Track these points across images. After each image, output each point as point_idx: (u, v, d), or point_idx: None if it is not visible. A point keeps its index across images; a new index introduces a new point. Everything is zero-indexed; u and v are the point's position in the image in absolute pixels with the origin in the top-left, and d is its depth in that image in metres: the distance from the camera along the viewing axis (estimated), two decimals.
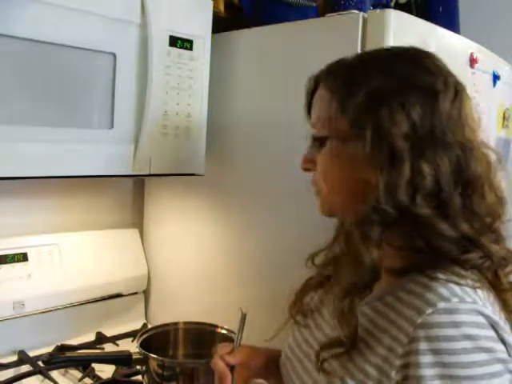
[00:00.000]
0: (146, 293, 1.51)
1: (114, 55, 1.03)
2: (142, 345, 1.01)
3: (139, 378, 1.10)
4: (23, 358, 1.21)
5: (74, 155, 1.01)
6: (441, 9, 1.58)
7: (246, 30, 1.23)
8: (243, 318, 0.85)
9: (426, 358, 0.60)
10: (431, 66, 0.69)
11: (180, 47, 1.12)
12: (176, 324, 1.13)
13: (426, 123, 0.65)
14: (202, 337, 1.11)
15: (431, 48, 0.78)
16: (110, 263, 1.40)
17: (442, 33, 1.16)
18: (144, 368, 0.99)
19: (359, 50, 1.01)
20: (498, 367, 0.60)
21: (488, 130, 1.42)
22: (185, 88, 1.14)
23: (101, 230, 1.44)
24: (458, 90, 0.68)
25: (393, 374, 0.62)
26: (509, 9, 1.86)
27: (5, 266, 1.22)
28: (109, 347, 1.31)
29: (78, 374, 1.16)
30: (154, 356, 0.96)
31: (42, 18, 0.92)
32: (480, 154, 0.68)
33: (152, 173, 1.12)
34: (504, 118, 1.51)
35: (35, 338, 1.26)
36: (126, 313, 1.46)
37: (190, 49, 1.14)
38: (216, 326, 1.10)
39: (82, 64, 1.00)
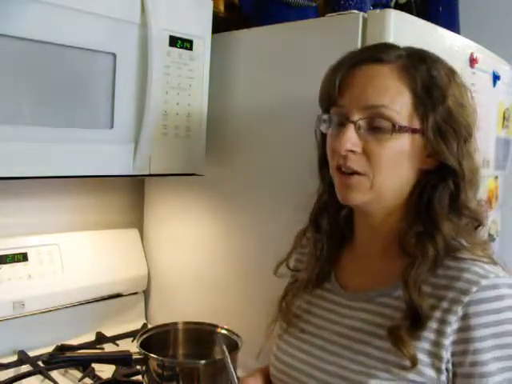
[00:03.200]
0: (146, 293, 1.51)
1: (114, 55, 1.03)
2: (142, 345, 1.00)
3: (139, 378, 1.10)
4: (23, 358, 1.21)
5: (74, 155, 1.01)
6: (441, 9, 1.58)
7: (245, 30, 1.23)
8: (227, 358, 0.87)
9: (479, 332, 0.67)
10: None
11: (180, 47, 1.12)
12: (176, 324, 1.13)
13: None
14: (202, 337, 1.11)
15: (431, 48, 0.78)
16: (110, 263, 1.40)
17: (442, 33, 1.16)
18: (144, 368, 0.99)
19: None
20: None
21: (488, 130, 1.42)
22: (185, 88, 1.14)
23: (101, 229, 1.44)
24: None
25: (443, 352, 0.68)
26: (509, 9, 1.86)
27: (5, 266, 1.22)
28: (109, 347, 1.31)
29: (78, 373, 1.15)
30: (154, 356, 0.96)
31: (42, 18, 0.92)
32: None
33: (152, 173, 1.12)
34: (504, 117, 1.51)
35: (35, 338, 1.26)
36: (126, 313, 1.46)
37: (190, 49, 1.14)
38: (216, 326, 1.10)
39: (83, 64, 1.00)
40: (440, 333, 0.69)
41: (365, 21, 1.01)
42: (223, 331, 1.09)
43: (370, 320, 0.75)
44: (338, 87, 0.75)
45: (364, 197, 0.75)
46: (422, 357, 0.69)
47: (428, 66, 0.73)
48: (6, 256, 1.23)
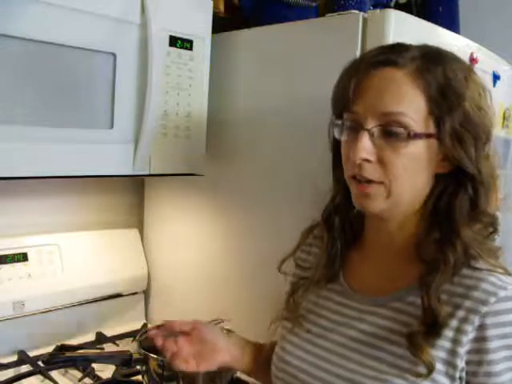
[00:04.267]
0: (146, 293, 1.51)
1: (114, 55, 1.03)
2: (142, 345, 1.00)
3: (139, 378, 1.10)
4: (23, 358, 1.21)
5: (74, 155, 1.01)
6: (441, 9, 1.58)
7: (245, 30, 1.23)
8: None
9: (494, 343, 0.67)
10: None
11: (180, 47, 1.12)
12: None
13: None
14: None
15: None
16: (110, 263, 1.40)
17: (442, 33, 1.16)
18: (144, 368, 0.99)
19: (359, 50, 1.01)
20: None
21: None
22: (185, 88, 1.14)
23: (101, 230, 1.43)
24: None
25: (458, 361, 0.68)
26: (509, 9, 1.86)
27: (5, 266, 1.22)
28: (109, 347, 1.31)
29: (78, 373, 1.15)
30: (154, 356, 0.96)
31: (42, 18, 0.92)
32: None
33: (152, 173, 1.12)
34: (504, 117, 1.51)
35: (35, 338, 1.26)
36: (126, 313, 1.46)
37: (190, 49, 1.14)
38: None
39: (82, 64, 0.99)
40: (456, 341, 0.68)
41: (365, 21, 1.01)
42: (224, 331, 1.09)
43: (382, 325, 0.75)
44: (353, 92, 0.73)
45: (382, 205, 0.74)
46: (437, 365, 0.69)
47: (444, 68, 0.71)
48: (6, 256, 1.23)
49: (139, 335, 1.05)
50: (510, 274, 0.71)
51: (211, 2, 1.19)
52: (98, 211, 1.48)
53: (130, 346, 1.23)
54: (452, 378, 0.69)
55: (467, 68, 0.75)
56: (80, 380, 1.12)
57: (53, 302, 1.30)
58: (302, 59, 1.12)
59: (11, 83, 0.92)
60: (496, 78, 1.40)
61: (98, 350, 1.28)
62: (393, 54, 0.73)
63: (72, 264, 1.33)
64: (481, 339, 0.68)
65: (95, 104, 1.03)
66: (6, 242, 1.24)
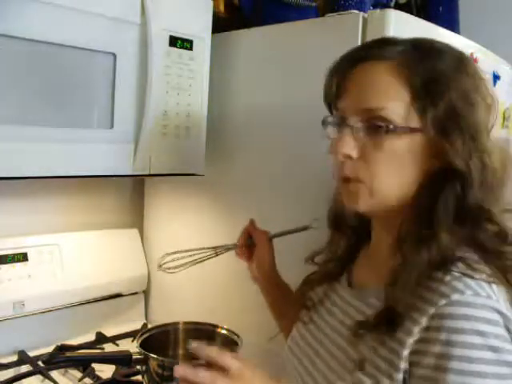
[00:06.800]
0: (146, 293, 1.51)
1: (114, 55, 1.03)
2: (142, 345, 1.00)
3: (139, 378, 1.10)
4: (23, 358, 1.21)
5: (74, 155, 1.01)
6: (441, 9, 1.58)
7: (245, 30, 1.23)
8: None
9: (436, 348, 0.61)
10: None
11: (180, 47, 1.12)
12: (176, 324, 1.13)
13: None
14: (202, 337, 1.11)
15: None
16: (110, 263, 1.40)
17: (442, 33, 1.16)
18: (144, 368, 0.99)
19: None
20: (504, 370, 0.60)
21: None
22: (185, 88, 1.14)
23: (101, 229, 1.43)
24: None
25: (401, 363, 0.64)
26: (509, 9, 1.86)
27: (5, 266, 1.22)
28: (109, 347, 1.31)
29: (78, 373, 1.16)
30: (154, 356, 0.96)
31: (42, 18, 0.92)
32: None
33: (152, 173, 1.12)
34: (504, 117, 1.51)
35: (35, 338, 1.26)
36: (125, 313, 1.46)
37: (190, 49, 1.14)
38: (216, 326, 1.10)
39: (82, 64, 1.00)
40: (401, 342, 0.64)
41: (365, 21, 1.01)
42: (223, 331, 1.09)
43: (355, 317, 0.75)
44: (337, 89, 0.73)
45: (366, 203, 0.72)
46: (380, 363, 0.66)
47: (431, 59, 0.69)
48: (6, 256, 1.23)
49: (139, 335, 1.05)
50: (491, 283, 0.64)
51: (211, 2, 1.19)
52: (98, 211, 1.48)
53: (130, 346, 1.23)
54: (393, 379, 0.65)
55: (459, 58, 0.71)
56: (80, 380, 1.12)
57: (53, 302, 1.30)
58: (302, 59, 1.12)
59: (11, 83, 0.92)
60: (496, 77, 1.40)
61: (98, 350, 1.28)
62: (376, 49, 0.71)
63: (72, 264, 1.33)
64: (424, 340, 0.63)
65: (95, 104, 1.03)
66: (5, 242, 1.24)
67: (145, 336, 1.05)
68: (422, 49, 0.70)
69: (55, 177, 1.00)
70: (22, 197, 1.30)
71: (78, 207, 1.43)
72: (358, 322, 0.71)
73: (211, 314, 1.17)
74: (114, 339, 1.34)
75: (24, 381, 1.12)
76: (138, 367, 1.05)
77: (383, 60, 0.69)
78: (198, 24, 1.16)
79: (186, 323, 1.13)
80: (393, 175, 0.70)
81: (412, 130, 0.68)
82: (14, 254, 1.24)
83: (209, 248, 1.04)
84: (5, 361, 1.19)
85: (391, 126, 0.67)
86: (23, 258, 1.25)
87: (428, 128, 0.67)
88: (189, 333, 1.12)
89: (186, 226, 1.40)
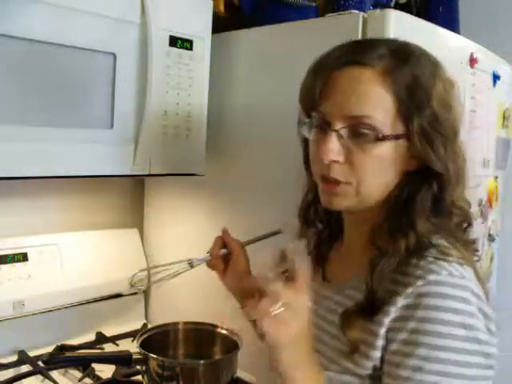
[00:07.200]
0: (146, 293, 1.51)
1: (114, 55, 1.03)
2: (142, 345, 1.00)
3: (139, 378, 1.10)
4: (23, 358, 1.21)
5: (74, 155, 1.01)
6: (441, 9, 1.58)
7: (245, 30, 1.23)
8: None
9: (411, 324, 0.65)
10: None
11: (180, 47, 1.12)
12: (176, 324, 1.13)
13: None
14: (202, 337, 1.11)
15: (431, 48, 0.78)
16: (110, 263, 1.40)
17: (442, 33, 1.16)
18: (144, 368, 0.99)
19: None
20: (474, 347, 0.65)
21: (488, 130, 1.42)
22: (185, 88, 1.14)
23: (101, 229, 1.43)
24: None
25: (379, 341, 0.69)
26: (509, 9, 1.86)
27: (5, 266, 1.22)
28: (109, 347, 1.31)
29: (78, 373, 1.15)
30: (154, 356, 0.96)
31: (42, 18, 0.92)
32: None
33: (152, 173, 1.12)
34: (504, 117, 1.52)
35: (35, 338, 1.26)
36: (125, 313, 1.46)
37: (190, 49, 1.14)
38: (216, 326, 1.10)
39: (82, 64, 0.99)
40: (379, 323, 0.68)
41: (365, 21, 1.01)
42: (223, 331, 1.09)
43: (335, 311, 0.76)
44: (320, 92, 0.73)
45: (349, 202, 0.74)
46: (362, 347, 0.70)
47: (411, 65, 0.70)
48: (6, 256, 1.23)
49: (139, 335, 1.05)
50: (467, 264, 0.69)
51: (211, 2, 1.19)
52: (98, 211, 1.48)
53: (130, 346, 1.23)
54: (368, 357, 0.69)
55: (434, 63, 0.73)
56: (80, 380, 1.12)
57: (53, 302, 1.30)
58: (302, 59, 1.11)
59: (11, 83, 0.91)
60: (496, 77, 1.40)
61: (98, 350, 1.28)
62: (359, 54, 0.72)
63: (72, 264, 1.33)
64: (400, 319, 0.67)
65: (95, 104, 1.03)
66: (5, 242, 1.24)
67: (145, 336, 1.05)
68: (401, 55, 0.71)
69: (55, 177, 1.00)
70: (22, 197, 1.30)
71: (78, 207, 1.43)
72: (341, 313, 0.73)
73: (211, 314, 1.17)
74: (114, 339, 1.34)
75: (24, 381, 1.12)
76: (138, 367, 1.05)
77: (367, 66, 0.70)
78: (198, 24, 1.16)
79: (186, 323, 1.13)
80: (377, 177, 0.73)
81: (397, 137, 0.71)
82: (14, 254, 1.24)
83: (183, 261, 1.03)
84: (5, 361, 1.19)
85: (379, 135, 0.69)
86: (23, 258, 1.25)
87: (413, 134, 0.70)
88: (189, 333, 1.12)
89: (186, 225, 1.40)
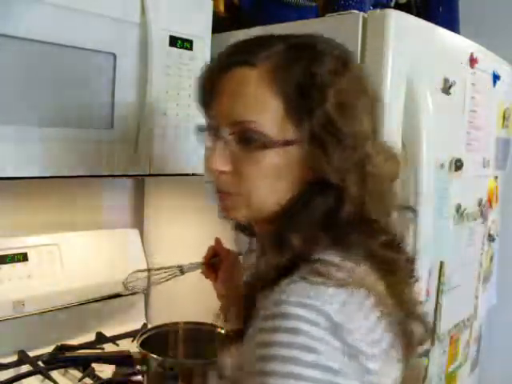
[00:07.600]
0: (146, 293, 1.51)
1: (114, 55, 1.03)
2: (142, 345, 1.01)
3: (139, 378, 1.10)
4: (23, 358, 1.21)
5: (74, 155, 1.01)
6: (441, 9, 1.58)
7: (245, 30, 1.22)
8: None
9: (256, 352, 0.56)
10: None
11: (180, 47, 1.12)
12: (176, 324, 1.13)
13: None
14: (202, 337, 1.11)
15: (431, 48, 0.78)
16: (110, 263, 1.40)
17: (442, 33, 1.16)
18: (144, 368, 0.99)
19: (359, 50, 1.00)
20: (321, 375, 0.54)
21: (488, 130, 1.42)
22: (185, 88, 1.14)
23: (101, 229, 1.43)
24: None
25: None
26: (509, 9, 1.86)
27: (5, 266, 1.22)
28: (109, 347, 1.31)
29: (78, 374, 1.15)
30: (154, 356, 0.96)
31: (42, 18, 0.92)
32: None
33: (152, 173, 1.12)
34: (504, 117, 1.51)
35: (35, 338, 1.26)
36: (125, 313, 1.46)
37: (190, 49, 1.14)
38: (216, 326, 1.10)
39: (82, 64, 0.99)
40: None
41: (365, 21, 1.01)
42: (223, 331, 1.09)
43: None
44: (207, 97, 0.69)
45: (242, 214, 0.69)
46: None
47: (307, 62, 0.63)
48: (6, 256, 1.23)
49: (139, 335, 1.05)
50: (333, 287, 0.57)
51: (211, 2, 1.19)
52: (98, 211, 1.48)
53: (130, 346, 1.23)
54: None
55: (342, 59, 0.65)
56: (80, 380, 1.12)
57: (53, 302, 1.30)
58: None
59: (11, 83, 0.91)
60: (496, 77, 1.40)
61: (98, 350, 1.28)
62: (246, 53, 0.65)
63: (72, 264, 1.33)
64: (251, 340, 0.58)
65: (95, 104, 1.03)
66: (6, 242, 1.24)
67: (145, 336, 1.05)
68: (298, 50, 0.64)
69: (55, 177, 1.00)
70: (21, 197, 1.30)
71: (77, 207, 1.43)
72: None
73: (211, 314, 1.17)
74: (114, 339, 1.34)
75: (24, 381, 1.12)
76: (138, 367, 1.05)
77: (254, 66, 0.64)
78: (198, 24, 1.16)
79: (185, 323, 1.13)
80: (269, 187, 0.66)
81: (286, 143, 0.63)
82: (14, 254, 1.24)
83: (175, 266, 1.03)
84: (5, 361, 1.19)
85: (265, 141, 0.63)
86: (23, 258, 1.25)
87: (303, 140, 0.63)
88: (189, 333, 1.13)
89: (186, 225, 1.40)
